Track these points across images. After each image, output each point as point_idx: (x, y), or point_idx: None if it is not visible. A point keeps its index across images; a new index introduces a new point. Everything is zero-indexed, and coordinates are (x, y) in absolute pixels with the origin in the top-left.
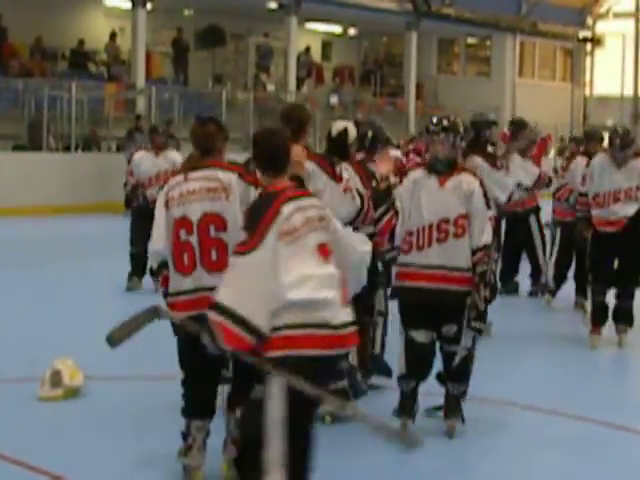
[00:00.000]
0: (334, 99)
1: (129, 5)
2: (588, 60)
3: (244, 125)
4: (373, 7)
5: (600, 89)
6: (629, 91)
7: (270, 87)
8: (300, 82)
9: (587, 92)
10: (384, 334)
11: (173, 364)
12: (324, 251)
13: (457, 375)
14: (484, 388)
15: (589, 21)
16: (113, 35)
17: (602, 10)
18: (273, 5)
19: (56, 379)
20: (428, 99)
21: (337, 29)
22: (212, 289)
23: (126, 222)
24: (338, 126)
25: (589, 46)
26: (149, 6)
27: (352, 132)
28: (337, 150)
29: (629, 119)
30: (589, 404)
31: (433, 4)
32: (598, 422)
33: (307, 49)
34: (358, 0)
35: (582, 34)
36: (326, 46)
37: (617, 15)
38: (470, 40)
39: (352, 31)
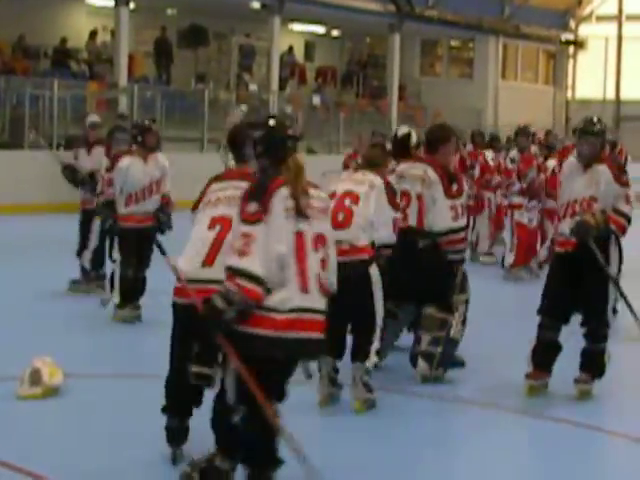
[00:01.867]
0: (317, 99)
1: (112, 4)
2: (571, 63)
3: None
4: (357, 8)
5: (582, 92)
6: (611, 94)
7: (253, 87)
8: (283, 82)
9: (569, 95)
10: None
11: (152, 362)
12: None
13: None
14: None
15: (572, 24)
16: (93, 34)
17: (585, 13)
18: (256, 5)
19: (35, 377)
20: (411, 100)
21: (320, 30)
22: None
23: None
24: (403, 130)
25: (572, 49)
26: (132, 5)
27: (414, 136)
28: (400, 151)
29: (611, 122)
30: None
31: (416, 6)
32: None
33: (290, 49)
34: (342, 1)
35: (565, 37)
36: (309, 46)
37: (600, 18)
38: (453, 42)
39: (335, 32)
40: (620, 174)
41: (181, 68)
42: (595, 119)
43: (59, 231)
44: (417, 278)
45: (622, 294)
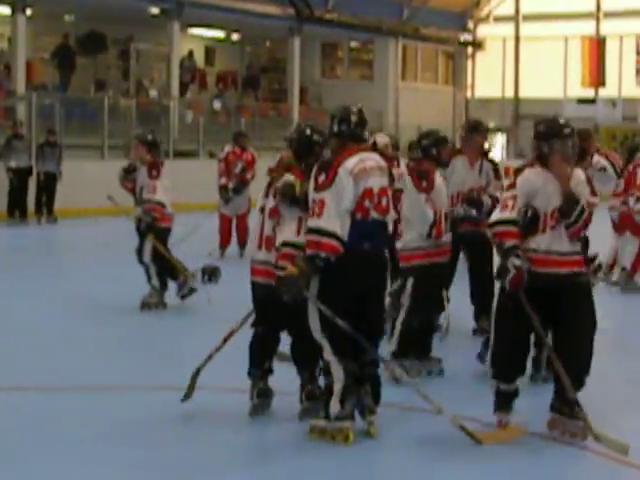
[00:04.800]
0: (217, 104)
1: (9, 11)
2: (470, 63)
3: (126, 131)
4: (256, 12)
5: (482, 91)
6: (510, 93)
7: (153, 93)
8: (183, 88)
9: (469, 94)
10: None
11: (78, 374)
12: None
13: None
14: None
15: (470, 25)
16: None
17: (483, 14)
18: (155, 11)
19: None
20: (312, 103)
21: (220, 34)
22: None
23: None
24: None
25: (470, 49)
26: (29, 12)
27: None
28: None
29: (510, 121)
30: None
31: (316, 9)
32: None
33: (190, 54)
34: (241, 5)
35: (463, 38)
36: (209, 51)
37: (497, 19)
38: (353, 44)
39: (235, 36)
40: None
41: (80, 75)
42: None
43: None
44: None
45: None
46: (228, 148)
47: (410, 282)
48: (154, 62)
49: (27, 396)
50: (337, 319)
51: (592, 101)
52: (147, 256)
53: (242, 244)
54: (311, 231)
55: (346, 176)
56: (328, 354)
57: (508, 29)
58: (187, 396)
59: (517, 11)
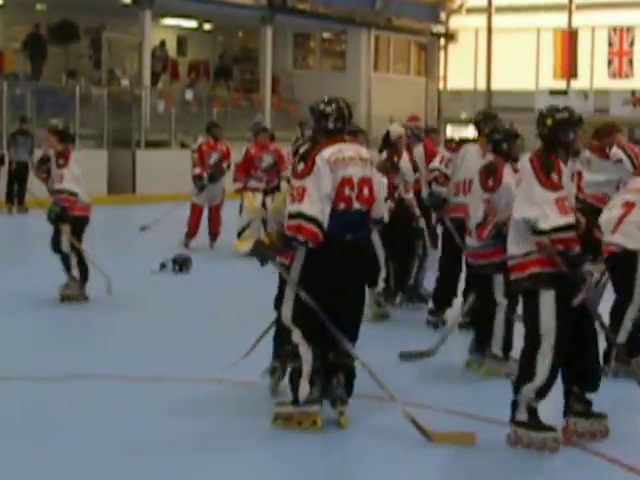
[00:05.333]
0: (189, 94)
1: None
2: (442, 54)
3: (98, 121)
4: (228, 2)
5: (454, 83)
6: (482, 85)
7: (124, 82)
8: (155, 77)
9: (441, 86)
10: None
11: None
12: None
13: None
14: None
15: (442, 16)
16: None
17: (455, 5)
18: (127, 0)
19: None
20: (284, 93)
21: (192, 24)
22: None
23: None
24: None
25: (443, 41)
26: (0, 1)
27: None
28: None
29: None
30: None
31: None
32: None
33: (162, 44)
34: None
35: (436, 29)
36: (181, 41)
37: (470, 10)
38: (325, 35)
39: (207, 26)
40: None
41: (52, 64)
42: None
43: None
44: None
45: None
46: (201, 139)
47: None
48: (126, 51)
49: None
50: (316, 308)
51: (564, 93)
52: (66, 246)
53: (214, 235)
54: (292, 215)
55: (323, 164)
56: (297, 337)
57: (480, 20)
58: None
59: (489, 3)
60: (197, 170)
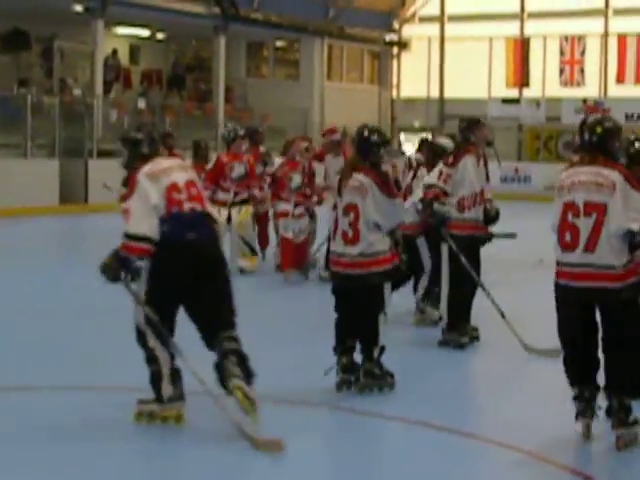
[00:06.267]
0: (142, 103)
1: None
2: (395, 63)
3: (50, 130)
4: (181, 11)
5: (407, 91)
6: (435, 93)
7: (76, 91)
8: (107, 86)
9: (394, 94)
10: None
11: None
12: None
13: None
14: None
15: (395, 25)
16: None
17: (408, 14)
18: (79, 8)
19: None
20: (237, 102)
21: (145, 33)
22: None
23: None
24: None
25: (396, 49)
26: None
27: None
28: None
29: (435, 121)
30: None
31: (241, 8)
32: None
33: (114, 52)
34: (166, 4)
35: (389, 37)
36: (134, 50)
37: (423, 19)
38: (279, 43)
39: (160, 35)
40: None
41: (3, 73)
42: None
43: None
44: None
45: None
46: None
47: None
48: (78, 60)
49: None
50: (159, 324)
51: (516, 101)
52: None
53: None
54: (124, 236)
55: (144, 178)
56: (152, 341)
57: (433, 29)
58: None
59: (442, 11)
60: None
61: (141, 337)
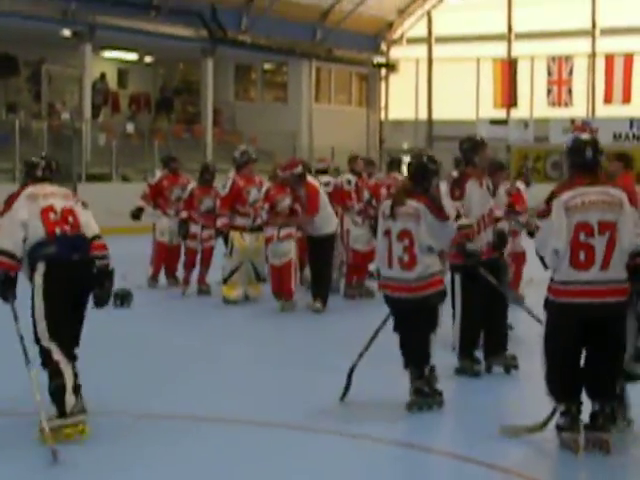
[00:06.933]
0: (130, 127)
1: None
2: (383, 85)
3: (38, 154)
4: (169, 34)
5: (395, 113)
6: (423, 115)
7: (65, 116)
8: (96, 110)
9: (383, 116)
10: None
11: None
12: None
13: None
14: None
15: (383, 47)
16: None
17: (396, 36)
18: (67, 33)
19: None
20: (226, 125)
21: (133, 56)
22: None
23: None
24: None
25: (384, 71)
26: None
27: None
28: None
29: (424, 142)
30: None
31: (229, 31)
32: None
33: (102, 76)
34: (153, 28)
35: (377, 60)
36: (122, 73)
37: (410, 41)
38: (267, 66)
39: (148, 58)
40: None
41: None
42: None
43: None
44: None
45: None
46: (161, 173)
47: None
48: (66, 84)
49: None
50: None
51: (504, 122)
52: None
53: (172, 274)
54: None
55: (23, 197)
56: (57, 355)
57: (421, 51)
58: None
59: (430, 33)
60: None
61: (44, 353)
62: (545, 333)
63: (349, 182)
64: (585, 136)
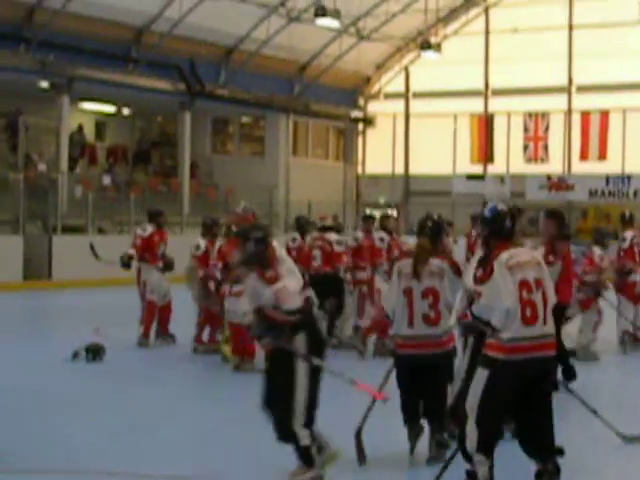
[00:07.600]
0: (107, 179)
1: None
2: (360, 139)
3: (14, 205)
4: (147, 87)
5: (372, 167)
6: (400, 169)
7: (41, 167)
8: (73, 162)
9: (360, 170)
10: None
11: None
12: None
13: None
14: None
15: (361, 102)
16: None
17: (373, 91)
18: (44, 85)
19: None
20: (203, 178)
21: (111, 109)
22: None
23: None
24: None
25: (361, 126)
26: None
27: None
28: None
29: (401, 197)
30: None
31: (207, 84)
32: None
33: (80, 128)
34: (131, 80)
35: (354, 114)
36: (100, 125)
37: (388, 95)
38: (244, 120)
39: (126, 111)
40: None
41: None
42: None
43: None
44: None
45: None
46: (150, 228)
47: None
48: (43, 136)
49: None
50: None
51: (481, 177)
52: None
53: (165, 331)
54: None
55: None
56: None
57: (398, 106)
58: (362, 460)
59: (407, 88)
60: (131, 251)
61: None
62: (485, 387)
63: (382, 240)
64: (502, 206)
